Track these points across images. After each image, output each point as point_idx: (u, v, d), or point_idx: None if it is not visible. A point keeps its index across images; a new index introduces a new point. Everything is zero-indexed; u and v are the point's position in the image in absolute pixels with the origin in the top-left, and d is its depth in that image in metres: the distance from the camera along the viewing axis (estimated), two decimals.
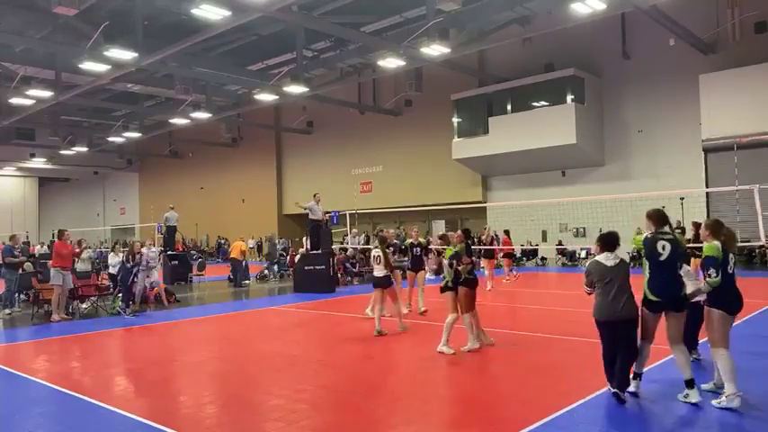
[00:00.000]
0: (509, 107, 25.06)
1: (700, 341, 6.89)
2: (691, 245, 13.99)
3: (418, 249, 12.08)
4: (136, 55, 17.34)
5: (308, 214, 17.05)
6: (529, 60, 24.78)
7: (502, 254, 18.33)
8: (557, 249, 24.13)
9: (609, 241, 5.79)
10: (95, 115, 36.40)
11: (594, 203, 19.30)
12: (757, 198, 12.00)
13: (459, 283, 7.87)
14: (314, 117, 34.25)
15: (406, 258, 12.32)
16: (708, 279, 5.29)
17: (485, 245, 16.89)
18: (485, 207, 26.24)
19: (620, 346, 5.52)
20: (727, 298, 5.32)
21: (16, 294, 13.96)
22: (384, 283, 9.68)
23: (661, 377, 6.22)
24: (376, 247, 9.97)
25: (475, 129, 26.20)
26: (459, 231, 8.30)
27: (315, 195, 17.09)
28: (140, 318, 12.53)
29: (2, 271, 14.95)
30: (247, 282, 19.52)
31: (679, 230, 19.59)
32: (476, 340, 7.92)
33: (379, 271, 9.72)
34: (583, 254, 23.35)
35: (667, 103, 22.40)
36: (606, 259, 5.70)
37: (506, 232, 18.21)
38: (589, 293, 5.83)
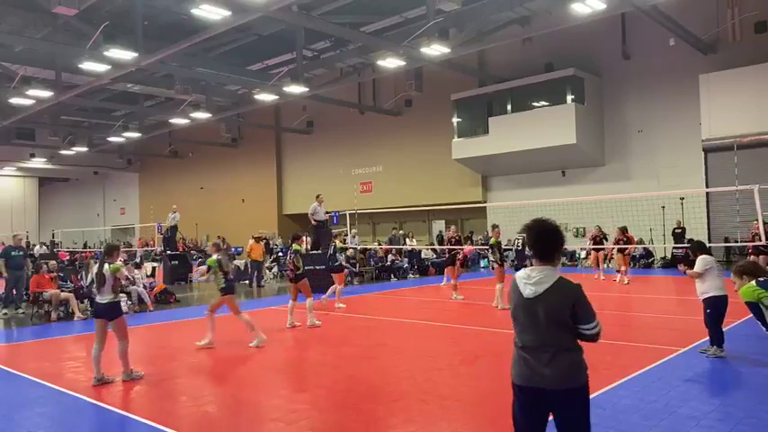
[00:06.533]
0: (509, 107, 25.02)
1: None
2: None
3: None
4: (136, 55, 17.32)
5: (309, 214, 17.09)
6: (529, 60, 24.76)
7: (616, 250, 16.75)
8: None
9: (541, 240, 3.10)
10: (95, 115, 36.37)
11: (594, 203, 19.30)
12: (757, 198, 12.03)
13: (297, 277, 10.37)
14: (314, 117, 34.21)
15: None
16: None
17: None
18: (485, 207, 26.24)
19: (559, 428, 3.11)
20: None
21: (21, 294, 13.94)
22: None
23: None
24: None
25: (475, 129, 26.17)
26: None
27: (318, 197, 17.13)
28: (140, 317, 12.55)
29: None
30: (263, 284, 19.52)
31: (679, 230, 19.56)
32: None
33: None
34: (583, 254, 23.34)
35: (667, 103, 22.36)
36: (526, 281, 3.04)
37: (624, 229, 16.58)
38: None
